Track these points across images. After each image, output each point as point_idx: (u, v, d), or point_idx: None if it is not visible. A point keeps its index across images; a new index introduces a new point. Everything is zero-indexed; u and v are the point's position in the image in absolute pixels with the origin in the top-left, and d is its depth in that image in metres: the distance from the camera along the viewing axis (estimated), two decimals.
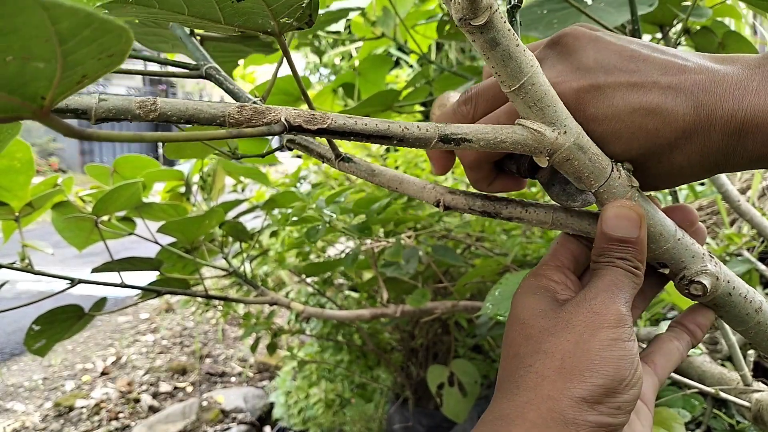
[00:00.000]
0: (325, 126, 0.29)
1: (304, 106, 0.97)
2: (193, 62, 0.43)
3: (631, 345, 0.31)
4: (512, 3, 0.36)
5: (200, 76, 0.41)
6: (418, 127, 0.31)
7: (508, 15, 0.36)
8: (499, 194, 0.37)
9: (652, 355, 0.37)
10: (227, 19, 0.34)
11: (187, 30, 0.47)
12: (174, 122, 0.28)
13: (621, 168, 0.33)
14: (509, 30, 0.30)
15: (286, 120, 0.29)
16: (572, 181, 0.34)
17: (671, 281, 0.37)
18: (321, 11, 0.90)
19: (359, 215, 1.07)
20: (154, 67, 0.45)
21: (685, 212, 0.36)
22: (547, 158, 0.32)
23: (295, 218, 0.96)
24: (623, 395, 0.30)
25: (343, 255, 1.47)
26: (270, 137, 0.53)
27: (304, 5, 0.33)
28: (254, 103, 0.40)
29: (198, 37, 0.51)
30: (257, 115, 0.29)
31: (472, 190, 0.37)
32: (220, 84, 0.41)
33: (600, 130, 0.31)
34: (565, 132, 0.31)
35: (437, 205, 0.37)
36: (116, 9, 0.33)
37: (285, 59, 0.37)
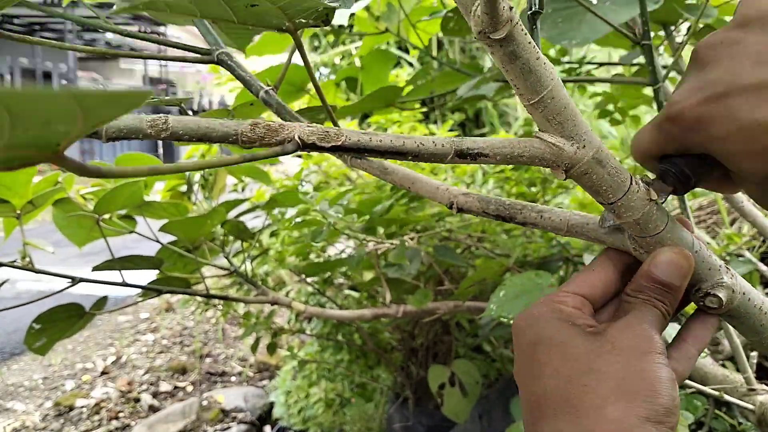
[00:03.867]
0: (339, 143, 0.29)
1: (306, 98, 0.96)
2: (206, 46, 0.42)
3: (671, 370, 0.32)
4: (533, 9, 0.35)
5: (212, 62, 0.40)
6: (433, 142, 0.30)
7: (528, 22, 0.35)
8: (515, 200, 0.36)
9: None
10: (241, 19, 0.34)
11: None
12: (186, 141, 0.28)
13: (640, 181, 0.32)
14: (530, 43, 0.29)
15: (299, 138, 0.29)
16: (590, 194, 0.33)
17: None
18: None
19: (362, 216, 1.07)
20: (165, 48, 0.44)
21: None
22: (564, 172, 0.31)
23: (298, 219, 0.95)
24: (676, 415, 0.30)
25: (342, 254, 1.47)
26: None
27: (320, 10, 0.33)
28: (266, 92, 0.40)
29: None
30: (270, 133, 0.28)
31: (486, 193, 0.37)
32: (232, 70, 0.40)
33: (721, 149, 0.29)
34: (584, 146, 0.31)
35: (450, 207, 0.36)
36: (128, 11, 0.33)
37: (299, 52, 0.37)
